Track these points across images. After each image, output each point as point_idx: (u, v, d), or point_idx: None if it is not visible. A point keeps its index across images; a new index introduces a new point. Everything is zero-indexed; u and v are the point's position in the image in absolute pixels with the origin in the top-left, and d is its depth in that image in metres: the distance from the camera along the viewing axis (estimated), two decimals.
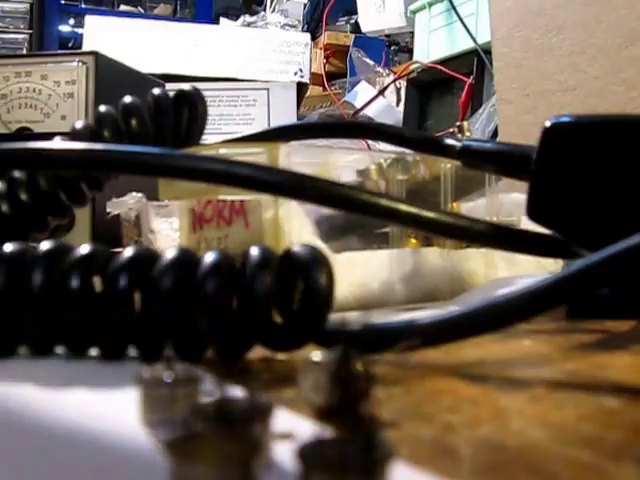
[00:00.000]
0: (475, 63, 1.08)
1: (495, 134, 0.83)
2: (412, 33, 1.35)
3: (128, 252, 0.22)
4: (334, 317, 0.22)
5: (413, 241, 0.37)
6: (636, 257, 0.20)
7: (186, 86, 0.40)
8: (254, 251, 0.22)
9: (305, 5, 1.89)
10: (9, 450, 0.15)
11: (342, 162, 0.36)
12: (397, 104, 1.34)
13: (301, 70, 0.90)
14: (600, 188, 0.27)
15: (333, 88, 1.46)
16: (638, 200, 0.26)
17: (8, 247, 0.23)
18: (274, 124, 0.83)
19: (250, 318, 0.21)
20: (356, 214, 0.27)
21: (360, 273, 0.34)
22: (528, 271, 0.35)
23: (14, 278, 0.22)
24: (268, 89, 0.89)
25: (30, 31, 2.07)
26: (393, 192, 0.35)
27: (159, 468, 0.14)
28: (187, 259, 0.22)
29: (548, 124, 0.28)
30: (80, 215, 0.51)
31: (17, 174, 0.36)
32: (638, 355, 0.25)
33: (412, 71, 1.25)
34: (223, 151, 0.32)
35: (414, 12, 1.30)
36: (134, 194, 0.57)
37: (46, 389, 0.20)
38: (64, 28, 2.33)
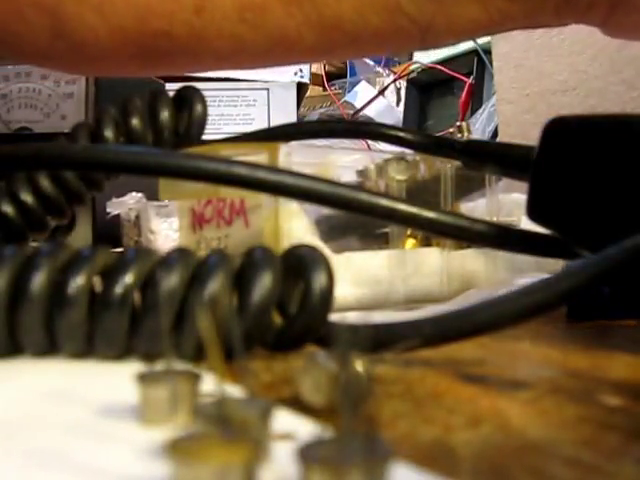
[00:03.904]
0: (475, 63, 1.08)
1: (495, 134, 0.83)
2: None
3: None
4: (334, 317, 0.22)
5: (413, 241, 0.37)
6: (636, 257, 0.20)
7: (186, 86, 0.40)
8: (254, 251, 0.22)
9: None
10: (10, 449, 0.15)
11: (342, 162, 0.36)
12: (397, 104, 1.34)
13: (301, 70, 0.90)
14: (600, 188, 0.27)
15: (333, 88, 1.45)
16: (637, 200, 0.26)
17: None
18: (274, 124, 0.83)
19: (250, 319, 0.21)
20: (356, 214, 0.27)
21: (360, 273, 0.34)
22: (528, 271, 0.35)
23: None
24: (268, 89, 0.89)
25: None
26: (393, 192, 0.35)
27: (159, 468, 0.14)
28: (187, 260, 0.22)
29: (548, 124, 0.28)
30: (80, 215, 0.51)
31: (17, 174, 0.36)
32: (638, 355, 0.25)
33: (412, 71, 1.25)
34: (223, 151, 0.32)
35: None
36: (134, 194, 0.57)
37: (46, 388, 0.20)
38: None
